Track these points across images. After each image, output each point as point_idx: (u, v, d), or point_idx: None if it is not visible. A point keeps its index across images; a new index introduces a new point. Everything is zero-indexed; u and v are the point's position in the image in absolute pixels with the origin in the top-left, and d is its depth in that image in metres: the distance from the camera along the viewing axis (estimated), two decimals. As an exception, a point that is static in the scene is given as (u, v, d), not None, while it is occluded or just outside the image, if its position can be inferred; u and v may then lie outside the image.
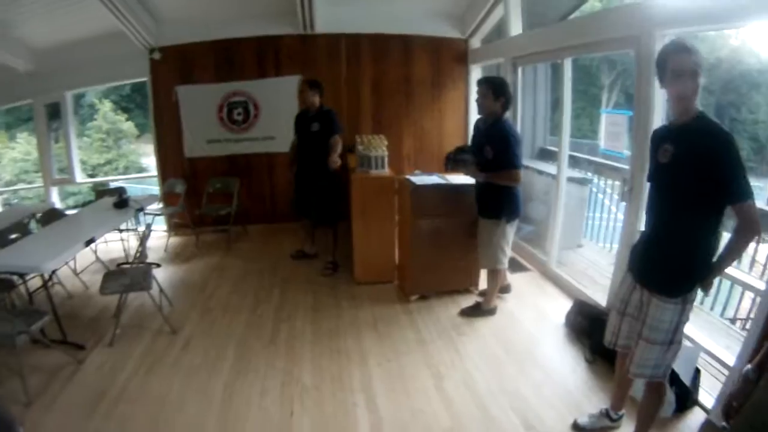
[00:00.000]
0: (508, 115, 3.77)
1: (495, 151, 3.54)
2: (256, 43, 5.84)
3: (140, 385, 2.93)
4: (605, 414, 2.66)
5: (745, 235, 1.97)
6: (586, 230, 6.40)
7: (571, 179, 5.31)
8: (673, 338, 2.19)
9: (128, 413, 2.69)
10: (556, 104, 5.68)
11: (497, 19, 5.82)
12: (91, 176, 13.68)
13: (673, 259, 2.18)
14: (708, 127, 2.01)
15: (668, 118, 2.74)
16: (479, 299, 4.03)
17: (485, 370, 3.14)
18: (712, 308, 4.18)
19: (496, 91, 3.57)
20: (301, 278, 4.62)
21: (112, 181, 9.83)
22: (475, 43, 6.40)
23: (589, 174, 6.20)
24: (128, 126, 18.90)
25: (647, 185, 3.40)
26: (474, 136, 3.85)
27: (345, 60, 6.09)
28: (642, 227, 3.53)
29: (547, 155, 6.69)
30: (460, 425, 2.65)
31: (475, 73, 6.49)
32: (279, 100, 5.95)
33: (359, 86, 6.20)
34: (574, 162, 6.17)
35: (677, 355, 2.27)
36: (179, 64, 5.76)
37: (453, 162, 3.89)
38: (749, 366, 1.81)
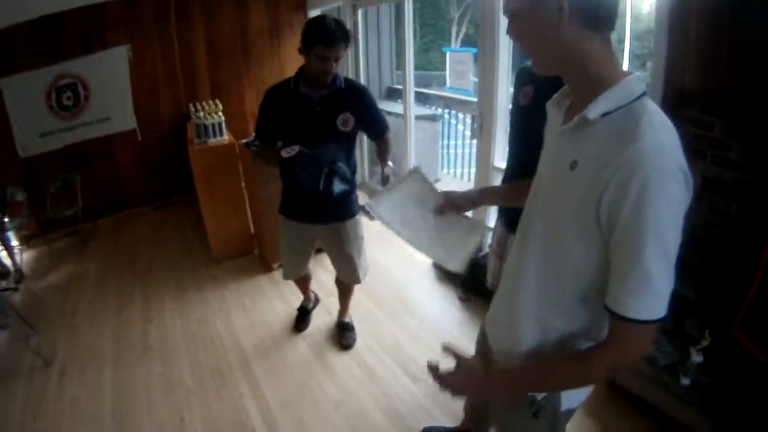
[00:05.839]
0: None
1: (359, 118, 2.57)
2: (77, 14, 5.14)
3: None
4: None
5: None
6: (443, 160, 6.70)
7: (422, 117, 5.50)
8: None
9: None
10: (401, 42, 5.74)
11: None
12: None
13: None
14: None
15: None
16: None
17: (361, 328, 3.29)
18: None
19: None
20: (160, 267, 4.48)
21: None
22: (314, -14, 6.20)
23: (440, 109, 6.42)
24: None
25: (498, 122, 3.60)
26: (300, 109, 2.49)
27: (174, 21, 5.65)
28: (495, 162, 3.67)
29: (395, 94, 6.75)
30: (349, 393, 2.74)
31: (315, 19, 6.35)
32: (109, 76, 5.45)
33: (193, 48, 5.83)
34: (424, 98, 6.33)
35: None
36: (-1, 54, 4.97)
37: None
38: None
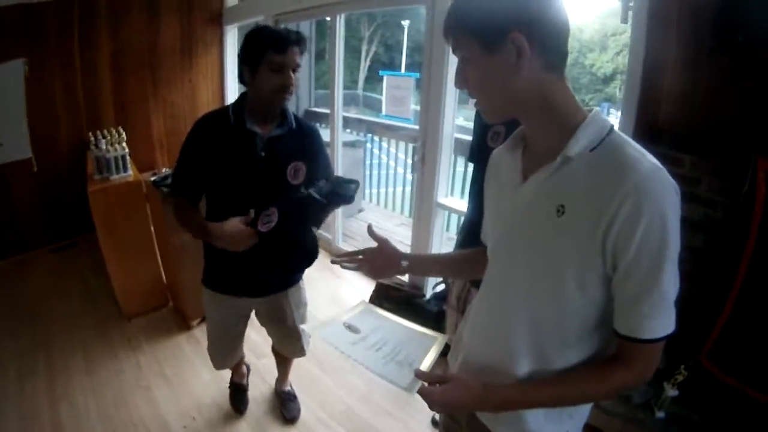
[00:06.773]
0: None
1: (308, 167, 2.05)
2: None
3: None
4: None
5: None
6: (366, 181, 6.44)
7: (344, 143, 5.32)
8: None
9: None
10: (319, 56, 5.48)
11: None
12: None
13: None
14: None
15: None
16: None
17: (304, 395, 2.87)
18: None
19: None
20: (63, 327, 3.68)
21: None
22: (232, 0, 5.83)
23: (362, 134, 6.18)
24: None
25: (443, 155, 3.45)
26: (241, 152, 1.92)
27: (77, 31, 4.95)
28: (439, 198, 3.55)
29: (315, 118, 6.43)
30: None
31: (231, 35, 5.96)
32: (2, 96, 4.55)
33: (97, 64, 5.14)
34: (345, 122, 6.10)
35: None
36: None
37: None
38: None
